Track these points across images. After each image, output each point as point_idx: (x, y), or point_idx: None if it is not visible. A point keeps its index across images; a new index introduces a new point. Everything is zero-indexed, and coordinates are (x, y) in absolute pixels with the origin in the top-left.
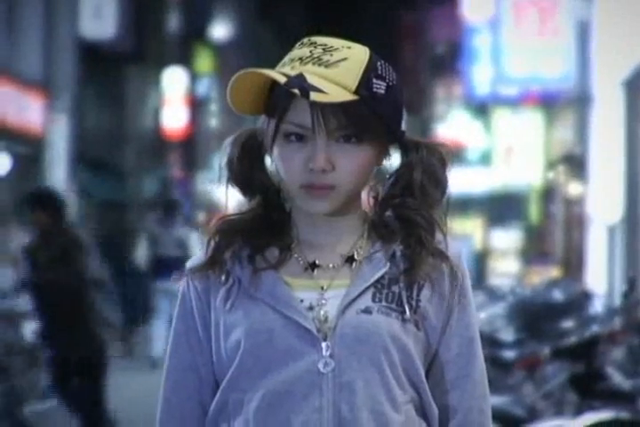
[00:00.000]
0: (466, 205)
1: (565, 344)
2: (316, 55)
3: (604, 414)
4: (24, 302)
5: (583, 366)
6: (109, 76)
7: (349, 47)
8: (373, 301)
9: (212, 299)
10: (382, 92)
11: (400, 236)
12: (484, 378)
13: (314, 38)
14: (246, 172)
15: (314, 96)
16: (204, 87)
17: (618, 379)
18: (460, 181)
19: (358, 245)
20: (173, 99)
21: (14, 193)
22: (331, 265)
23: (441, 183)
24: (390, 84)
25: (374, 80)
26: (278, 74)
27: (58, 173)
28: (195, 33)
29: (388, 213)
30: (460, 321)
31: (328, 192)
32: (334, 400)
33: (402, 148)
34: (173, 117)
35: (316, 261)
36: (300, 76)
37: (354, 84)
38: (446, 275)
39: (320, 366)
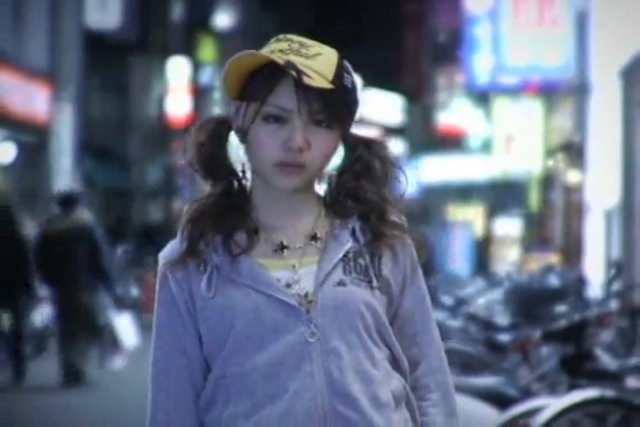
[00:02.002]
0: (467, 193)
1: (556, 327)
2: (294, 48)
3: (590, 393)
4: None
5: (573, 347)
6: (114, 66)
7: (321, 46)
8: (344, 273)
9: (193, 286)
10: (350, 86)
11: (357, 213)
12: (437, 331)
13: (289, 36)
14: (212, 156)
15: (305, 80)
16: (207, 76)
17: (606, 360)
18: (461, 168)
19: (319, 224)
20: (177, 87)
21: (20, 181)
22: (297, 245)
23: (391, 172)
24: (354, 81)
25: (345, 74)
26: (276, 56)
27: (63, 162)
28: (198, 22)
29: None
30: (412, 284)
31: (299, 170)
32: (324, 365)
33: (347, 140)
34: (177, 106)
35: (284, 242)
36: (291, 62)
37: (331, 74)
38: (400, 244)
39: (307, 336)
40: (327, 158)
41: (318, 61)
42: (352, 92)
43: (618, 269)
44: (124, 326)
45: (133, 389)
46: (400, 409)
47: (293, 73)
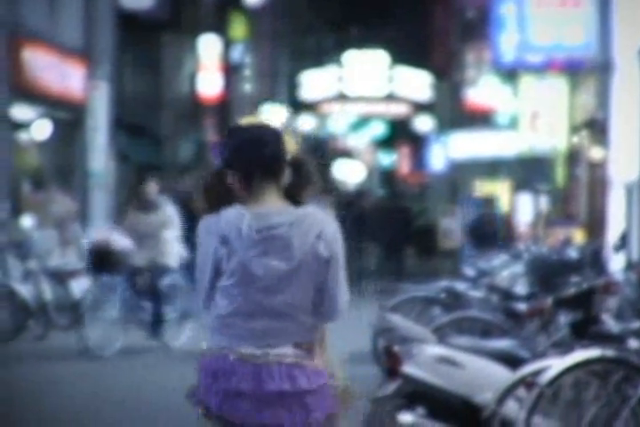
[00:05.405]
0: (494, 169)
1: (566, 294)
2: None
3: (592, 352)
4: (72, 261)
5: (582, 313)
6: (147, 44)
7: None
8: None
9: None
10: None
11: None
12: None
13: None
14: None
15: None
16: (238, 53)
17: (611, 323)
18: (489, 144)
19: None
20: (208, 65)
21: (56, 157)
22: None
23: None
24: None
25: None
26: None
27: (98, 138)
28: (229, 0)
29: None
30: None
31: None
32: None
33: None
34: (208, 83)
35: None
36: None
37: None
38: None
39: None
40: None
41: None
42: None
43: (622, 240)
44: None
45: None
46: None
47: None
